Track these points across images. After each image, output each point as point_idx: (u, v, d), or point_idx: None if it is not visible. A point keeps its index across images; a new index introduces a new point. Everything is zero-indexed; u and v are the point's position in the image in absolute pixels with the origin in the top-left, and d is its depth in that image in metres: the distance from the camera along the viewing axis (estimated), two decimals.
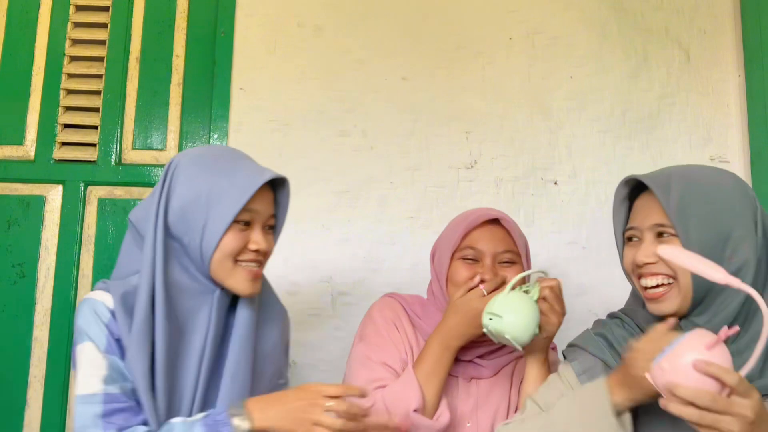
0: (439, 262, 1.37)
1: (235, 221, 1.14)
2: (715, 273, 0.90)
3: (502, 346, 1.35)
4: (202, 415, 1.07)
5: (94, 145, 1.96)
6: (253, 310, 1.22)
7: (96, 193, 1.94)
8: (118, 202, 1.93)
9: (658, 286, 1.06)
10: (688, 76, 1.99)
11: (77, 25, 2.02)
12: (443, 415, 1.25)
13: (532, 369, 1.26)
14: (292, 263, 1.88)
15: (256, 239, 1.17)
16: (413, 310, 1.40)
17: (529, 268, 1.37)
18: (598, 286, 1.87)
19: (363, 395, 1.09)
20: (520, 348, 1.18)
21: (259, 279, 1.20)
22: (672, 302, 1.05)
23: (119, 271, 1.19)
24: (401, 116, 1.95)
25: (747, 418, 0.85)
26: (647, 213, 1.08)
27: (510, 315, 1.16)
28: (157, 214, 1.15)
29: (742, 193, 1.07)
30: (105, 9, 2.02)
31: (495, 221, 1.35)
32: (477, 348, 1.34)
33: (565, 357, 1.23)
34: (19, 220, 1.92)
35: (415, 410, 1.21)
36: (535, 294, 1.22)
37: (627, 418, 1.01)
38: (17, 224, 1.92)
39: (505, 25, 2.00)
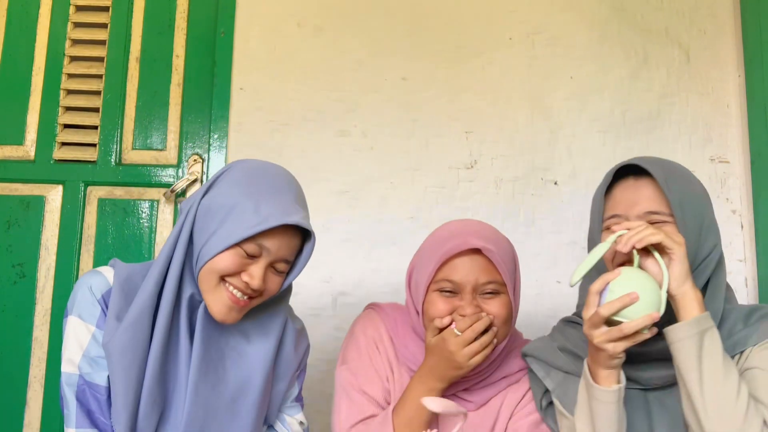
0: (416, 290, 1.25)
1: (240, 246, 1.07)
2: None
3: (488, 381, 1.25)
4: None
5: (94, 145, 1.96)
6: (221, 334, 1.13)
7: (96, 193, 1.94)
8: (118, 202, 1.93)
9: None
10: (688, 76, 1.99)
11: (77, 25, 2.02)
12: None
13: None
14: None
15: (253, 272, 1.08)
16: (395, 329, 1.30)
17: (516, 296, 1.23)
18: None
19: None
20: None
21: (241, 311, 1.12)
22: None
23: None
24: (401, 116, 1.95)
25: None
26: (634, 201, 1.11)
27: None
28: (194, 203, 1.12)
29: (703, 187, 1.17)
30: (105, 9, 2.02)
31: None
32: (460, 382, 1.23)
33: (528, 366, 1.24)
34: (19, 220, 1.92)
35: None
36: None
37: (620, 386, 1.04)
38: (17, 224, 1.92)
39: (505, 25, 2.00)
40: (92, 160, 1.95)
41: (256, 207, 1.07)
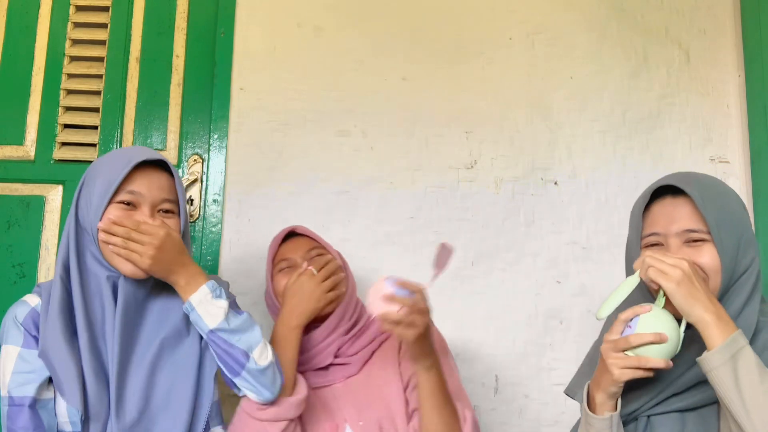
0: (267, 288, 1.50)
1: (117, 201, 1.20)
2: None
3: (350, 336, 1.45)
4: None
5: (94, 145, 1.96)
6: (140, 293, 1.24)
7: None
8: None
9: None
10: (688, 76, 1.99)
11: (77, 25, 2.02)
12: (300, 389, 1.32)
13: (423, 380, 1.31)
14: None
15: (139, 219, 1.19)
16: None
17: (332, 253, 1.49)
18: (598, 286, 1.87)
19: None
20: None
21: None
22: None
23: None
24: (401, 116, 1.95)
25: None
26: (672, 219, 1.13)
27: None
28: (73, 206, 1.26)
29: (741, 202, 1.18)
30: (105, 9, 2.02)
31: (294, 233, 1.52)
32: (326, 340, 1.42)
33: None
34: (19, 220, 1.92)
35: None
36: None
37: (612, 415, 1.06)
38: (17, 224, 1.92)
39: (505, 25, 2.00)
40: (92, 160, 1.94)
41: (111, 166, 1.22)
